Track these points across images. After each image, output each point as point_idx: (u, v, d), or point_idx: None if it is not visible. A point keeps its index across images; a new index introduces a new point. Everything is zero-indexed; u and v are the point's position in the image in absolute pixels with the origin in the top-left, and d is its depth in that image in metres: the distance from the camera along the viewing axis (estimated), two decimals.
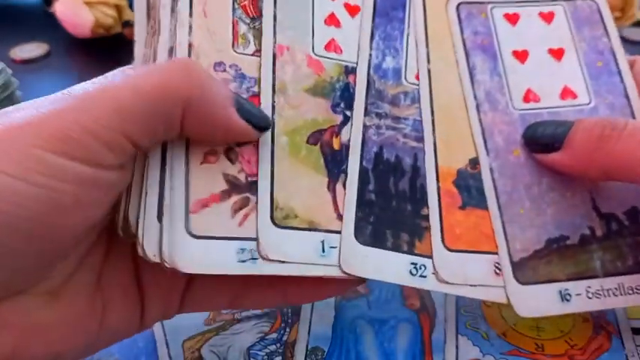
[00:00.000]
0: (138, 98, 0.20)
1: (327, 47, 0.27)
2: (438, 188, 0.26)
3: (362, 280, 0.25)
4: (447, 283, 0.25)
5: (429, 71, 0.27)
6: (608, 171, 0.24)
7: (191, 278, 0.25)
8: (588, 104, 0.27)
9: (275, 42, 0.26)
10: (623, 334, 0.30)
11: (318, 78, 0.26)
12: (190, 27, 0.25)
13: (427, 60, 0.27)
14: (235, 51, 0.25)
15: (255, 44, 0.25)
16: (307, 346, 0.30)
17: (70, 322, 0.22)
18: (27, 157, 0.18)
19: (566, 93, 0.27)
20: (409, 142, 0.26)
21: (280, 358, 0.29)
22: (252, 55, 0.25)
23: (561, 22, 0.29)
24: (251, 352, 0.29)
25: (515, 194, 0.26)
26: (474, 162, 0.26)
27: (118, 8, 0.56)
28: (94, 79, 0.21)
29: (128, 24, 0.56)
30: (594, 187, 0.26)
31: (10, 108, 0.20)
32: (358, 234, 0.24)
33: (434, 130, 0.26)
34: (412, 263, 0.25)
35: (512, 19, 0.28)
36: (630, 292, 0.26)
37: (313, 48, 0.26)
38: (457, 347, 0.29)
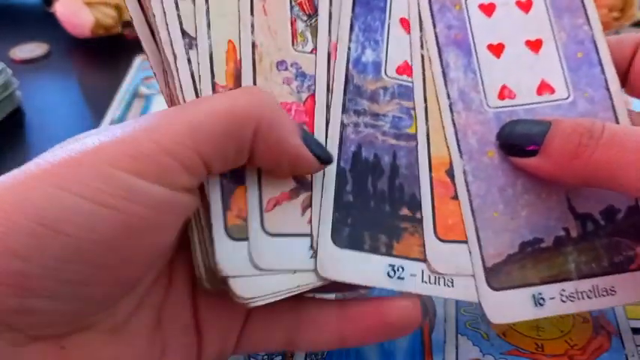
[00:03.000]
0: (211, 119, 0.20)
1: None
2: (431, 178, 0.25)
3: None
4: (439, 273, 0.24)
5: (422, 57, 0.26)
6: (585, 179, 0.23)
7: (248, 318, 0.25)
8: (566, 99, 0.26)
9: (330, 40, 0.25)
10: (623, 334, 0.30)
11: None
12: (252, 26, 0.24)
13: (420, 45, 0.27)
14: (295, 49, 0.25)
15: (313, 42, 0.25)
16: None
17: None
18: (96, 176, 0.18)
19: (544, 88, 0.26)
20: (388, 139, 0.25)
21: (280, 357, 0.29)
22: (310, 52, 0.25)
23: (540, 11, 0.27)
24: None
25: (489, 197, 0.25)
26: None
27: (118, 8, 0.56)
28: (166, 108, 0.21)
29: (128, 24, 0.56)
30: (570, 188, 0.26)
31: (81, 135, 0.20)
32: (335, 237, 0.24)
33: (427, 118, 0.26)
34: (390, 265, 0.24)
35: (488, 9, 0.27)
36: (604, 293, 0.25)
37: None
38: (457, 347, 0.29)
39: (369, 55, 0.26)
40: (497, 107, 0.26)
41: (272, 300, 0.23)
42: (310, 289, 0.24)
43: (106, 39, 0.56)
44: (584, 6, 0.27)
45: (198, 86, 0.23)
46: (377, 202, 0.25)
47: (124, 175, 0.18)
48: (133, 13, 0.24)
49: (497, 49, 0.27)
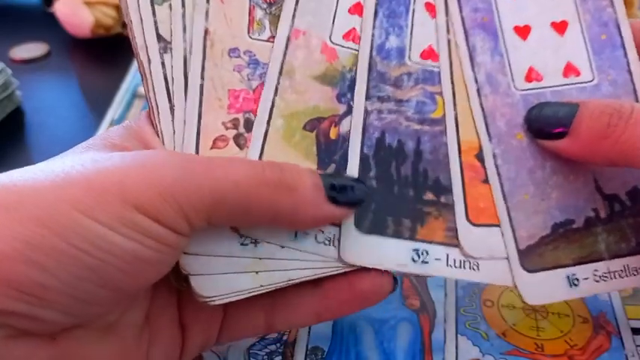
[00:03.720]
0: (234, 193, 0.21)
1: (346, 36, 0.26)
2: (461, 162, 0.25)
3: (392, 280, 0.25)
4: (472, 257, 0.25)
5: (448, 42, 0.26)
6: (614, 159, 0.23)
7: (227, 309, 0.26)
8: (591, 81, 0.26)
9: (292, 25, 0.25)
10: (623, 334, 0.30)
11: (329, 66, 0.26)
12: (207, 13, 0.25)
13: (446, 29, 0.26)
14: (250, 37, 0.25)
15: (270, 30, 0.25)
16: (307, 346, 0.30)
17: (120, 356, 0.23)
18: (120, 213, 0.19)
19: (569, 70, 0.27)
20: (412, 124, 0.26)
21: (280, 357, 0.29)
22: (266, 40, 0.25)
23: None
24: (251, 351, 0.29)
25: (519, 180, 0.26)
26: None
27: (118, 8, 0.56)
28: (191, 156, 0.22)
29: None
30: (596, 169, 0.26)
31: (104, 154, 0.21)
32: (359, 222, 0.24)
33: (455, 103, 0.26)
34: (414, 250, 0.25)
35: None
36: (635, 272, 0.26)
37: (331, 35, 0.26)
38: (457, 347, 0.29)
39: (392, 42, 0.26)
40: (524, 90, 0.26)
41: (233, 299, 0.24)
42: (274, 289, 0.24)
43: (106, 39, 0.56)
44: None
45: (171, 89, 0.24)
46: (400, 187, 0.25)
47: (143, 218, 0.19)
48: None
49: (523, 32, 0.27)
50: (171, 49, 0.24)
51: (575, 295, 0.25)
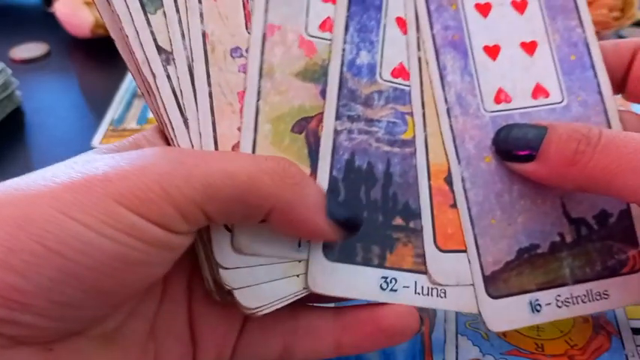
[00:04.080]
0: (228, 184, 0.20)
1: (322, 26, 0.25)
2: (430, 187, 0.25)
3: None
4: (439, 284, 0.24)
5: (419, 59, 0.26)
6: (582, 185, 0.23)
7: (244, 328, 0.25)
8: (560, 103, 0.26)
9: (266, 21, 0.24)
10: (623, 334, 0.30)
11: (309, 61, 0.25)
12: (201, 14, 0.24)
13: (417, 46, 0.26)
14: (249, 32, 0.24)
15: None
16: None
17: None
18: (102, 208, 0.18)
19: (538, 91, 0.26)
20: (382, 146, 0.25)
21: None
22: None
23: (534, 12, 0.27)
24: None
25: (487, 204, 0.25)
26: None
27: None
28: (187, 150, 0.21)
29: None
30: (564, 192, 0.26)
31: (97, 155, 0.20)
32: (327, 251, 0.24)
33: (424, 124, 0.25)
34: (383, 277, 0.24)
35: (484, 10, 0.27)
36: (598, 297, 0.25)
37: (307, 27, 0.25)
38: (457, 347, 0.29)
39: (363, 57, 0.25)
40: (493, 111, 0.26)
41: (279, 306, 0.23)
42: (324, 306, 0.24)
43: (106, 39, 0.56)
44: (577, 7, 0.27)
45: (180, 101, 0.23)
46: (370, 212, 0.24)
47: (128, 213, 0.18)
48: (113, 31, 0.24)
49: (493, 51, 0.26)
50: (173, 59, 0.23)
51: (537, 321, 0.25)
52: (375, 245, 0.24)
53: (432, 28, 0.26)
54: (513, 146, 0.25)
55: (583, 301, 0.25)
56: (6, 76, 0.47)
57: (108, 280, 0.19)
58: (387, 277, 0.24)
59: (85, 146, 0.43)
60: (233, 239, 0.23)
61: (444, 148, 0.25)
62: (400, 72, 0.26)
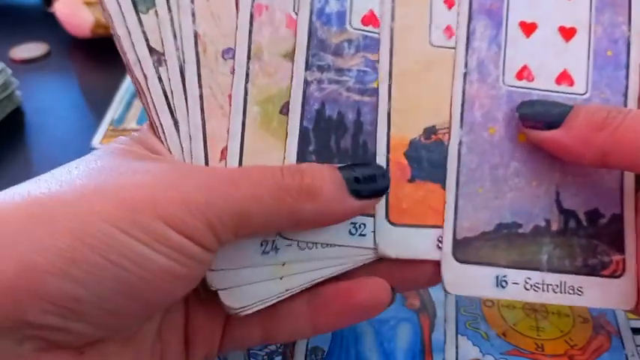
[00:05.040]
0: (258, 209, 0.21)
1: None
2: (388, 160, 0.25)
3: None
4: (388, 257, 0.25)
5: (391, 30, 0.25)
6: (607, 154, 0.23)
7: (227, 321, 0.26)
8: (582, 95, 0.26)
9: (254, 0, 0.24)
10: (623, 334, 0.30)
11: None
12: (193, 14, 0.24)
13: (391, 17, 0.25)
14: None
15: None
16: (307, 346, 0.30)
17: None
18: (152, 228, 0.19)
19: (564, 78, 0.26)
20: (352, 95, 0.25)
21: (280, 357, 0.29)
22: None
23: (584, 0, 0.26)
24: (251, 351, 0.29)
25: (479, 172, 0.25)
26: (430, 132, 0.25)
27: None
28: (214, 171, 0.22)
29: None
30: (562, 180, 0.26)
31: (136, 166, 0.21)
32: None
33: (389, 97, 0.25)
34: (351, 223, 0.24)
35: None
36: (571, 291, 0.25)
37: (294, 6, 0.25)
38: (457, 347, 0.29)
39: (333, 5, 0.25)
40: (512, 86, 0.26)
41: (262, 307, 0.24)
42: (299, 291, 0.24)
43: (106, 39, 0.56)
44: (629, 4, 0.26)
45: (172, 103, 0.23)
46: (341, 160, 0.25)
47: (175, 234, 0.20)
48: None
49: (528, 28, 0.26)
50: (165, 60, 0.23)
51: (498, 296, 0.25)
52: None
53: None
54: (539, 114, 0.25)
55: (554, 291, 0.25)
56: (6, 76, 0.47)
57: (157, 292, 0.20)
58: (355, 223, 0.25)
59: (85, 146, 0.44)
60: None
61: (404, 123, 0.25)
62: (370, 19, 0.25)
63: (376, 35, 0.25)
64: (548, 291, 0.25)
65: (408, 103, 0.25)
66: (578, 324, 0.30)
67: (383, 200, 0.25)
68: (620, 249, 0.26)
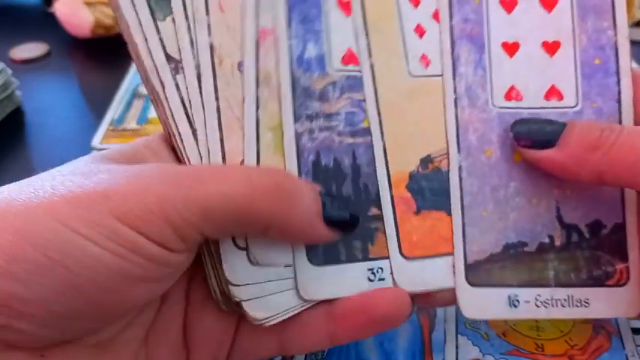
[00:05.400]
0: (224, 206, 0.20)
1: None
2: (392, 196, 0.25)
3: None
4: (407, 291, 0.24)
5: (371, 66, 0.25)
6: (603, 173, 0.23)
7: (238, 330, 0.25)
8: (573, 107, 0.26)
9: (257, 25, 0.24)
10: (623, 334, 0.30)
11: None
12: (209, 26, 0.23)
13: (368, 53, 0.25)
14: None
15: None
16: None
17: None
18: (103, 224, 0.18)
19: (552, 93, 0.26)
20: (345, 139, 0.25)
21: (280, 357, 0.29)
22: None
23: (564, 9, 0.26)
24: None
25: (480, 196, 0.25)
26: (426, 161, 0.25)
27: None
28: (185, 169, 0.21)
29: None
30: (561, 195, 0.26)
31: (95, 166, 0.20)
32: (311, 255, 0.24)
33: (382, 132, 0.25)
34: (369, 269, 0.24)
35: (509, 5, 0.26)
36: (578, 304, 0.25)
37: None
38: (457, 347, 0.29)
39: (311, 50, 0.24)
40: (502, 107, 0.26)
41: (286, 317, 0.24)
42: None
43: (106, 39, 0.56)
44: (613, 8, 0.26)
45: (189, 112, 0.23)
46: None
47: (129, 230, 0.19)
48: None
49: (511, 48, 0.26)
50: (182, 68, 0.23)
51: (513, 316, 0.25)
52: (356, 240, 0.24)
53: (451, 18, 0.26)
54: (534, 135, 0.24)
55: (562, 305, 0.25)
56: (6, 76, 0.47)
57: (108, 294, 0.19)
58: (373, 269, 0.24)
59: (85, 146, 0.44)
60: (248, 252, 0.23)
61: (400, 157, 0.25)
62: (350, 58, 0.25)
63: (358, 74, 0.25)
64: (557, 306, 0.25)
65: (400, 137, 0.25)
66: (578, 324, 0.30)
67: (394, 238, 0.25)
68: (624, 257, 0.26)
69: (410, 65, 0.25)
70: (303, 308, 0.24)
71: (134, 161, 0.22)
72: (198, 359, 0.25)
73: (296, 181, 0.22)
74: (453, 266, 0.25)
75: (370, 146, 0.25)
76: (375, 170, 0.25)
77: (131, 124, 0.46)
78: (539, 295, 0.25)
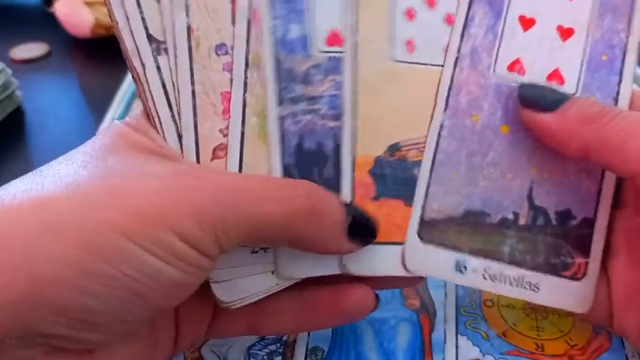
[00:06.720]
0: (266, 228, 0.21)
1: None
2: (353, 179, 0.25)
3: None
4: (352, 274, 0.25)
5: (355, 44, 0.24)
6: (590, 149, 0.23)
7: (215, 311, 0.26)
8: (572, 95, 0.25)
9: (250, 5, 0.23)
10: None
11: None
12: (187, 7, 0.23)
13: (356, 30, 0.24)
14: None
15: None
16: (307, 346, 0.30)
17: (135, 357, 0.24)
18: (164, 240, 0.20)
19: (554, 76, 0.26)
20: (327, 122, 0.24)
21: (280, 357, 0.29)
22: None
23: (586, 1, 0.26)
24: (251, 351, 0.29)
25: (455, 157, 0.25)
26: (393, 149, 0.25)
27: None
28: (231, 181, 0.22)
29: None
30: (538, 177, 0.26)
31: (146, 168, 0.21)
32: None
33: (355, 113, 0.24)
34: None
35: None
36: (527, 287, 0.25)
37: None
38: (457, 347, 0.29)
39: (294, 31, 0.24)
40: (501, 76, 0.25)
41: (253, 300, 0.24)
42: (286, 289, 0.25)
43: (106, 39, 0.56)
44: (630, 12, 0.26)
45: (170, 95, 0.23)
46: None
47: (185, 246, 0.20)
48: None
49: (527, 23, 0.26)
50: (165, 49, 0.23)
51: (455, 281, 0.26)
52: None
53: None
54: (538, 96, 0.25)
55: (511, 284, 0.25)
56: (6, 76, 0.47)
57: (164, 299, 0.21)
58: None
59: None
60: (276, 265, 0.24)
61: (369, 140, 0.25)
62: (334, 39, 0.24)
63: (342, 55, 0.24)
64: (505, 283, 0.25)
65: (372, 120, 0.25)
66: (578, 324, 0.30)
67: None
68: (586, 253, 0.26)
69: (394, 48, 0.25)
70: (270, 293, 0.25)
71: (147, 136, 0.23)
72: (185, 336, 0.26)
73: (328, 200, 0.23)
74: (402, 256, 0.25)
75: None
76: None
77: None
78: (488, 267, 0.25)
